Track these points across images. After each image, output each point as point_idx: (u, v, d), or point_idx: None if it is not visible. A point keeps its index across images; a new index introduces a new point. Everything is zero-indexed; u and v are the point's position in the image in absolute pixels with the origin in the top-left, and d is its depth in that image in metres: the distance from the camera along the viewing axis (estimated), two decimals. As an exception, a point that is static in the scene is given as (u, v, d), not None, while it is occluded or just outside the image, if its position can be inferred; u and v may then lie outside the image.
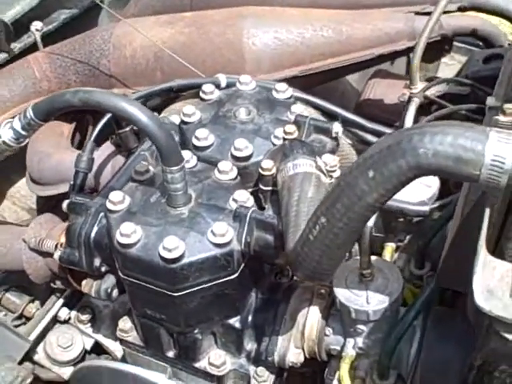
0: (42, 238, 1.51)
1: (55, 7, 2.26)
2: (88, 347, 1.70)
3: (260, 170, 1.32)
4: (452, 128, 0.88)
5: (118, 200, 1.32)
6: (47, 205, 2.10)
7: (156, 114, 1.65)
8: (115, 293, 1.45)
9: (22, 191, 2.21)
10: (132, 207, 1.32)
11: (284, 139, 1.39)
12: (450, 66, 2.46)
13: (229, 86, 1.68)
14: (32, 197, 2.17)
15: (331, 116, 1.76)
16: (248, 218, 1.27)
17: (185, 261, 1.24)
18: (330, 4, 1.97)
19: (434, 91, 1.78)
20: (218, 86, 1.65)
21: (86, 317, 1.69)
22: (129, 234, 1.25)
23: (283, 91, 1.55)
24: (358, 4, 1.95)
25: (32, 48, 2.14)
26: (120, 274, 1.33)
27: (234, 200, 1.31)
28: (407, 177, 0.91)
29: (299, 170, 1.24)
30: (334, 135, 1.44)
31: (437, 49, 2.00)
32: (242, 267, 1.30)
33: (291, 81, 1.86)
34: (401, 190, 0.94)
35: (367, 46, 1.88)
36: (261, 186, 1.34)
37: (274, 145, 1.42)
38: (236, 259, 1.28)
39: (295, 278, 1.47)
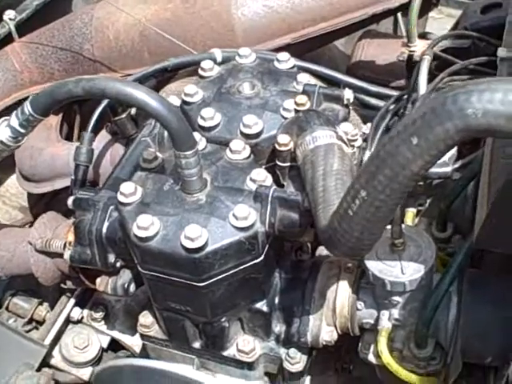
0: (48, 238, 1.44)
1: (26, -7, 2.16)
2: (105, 345, 1.64)
3: (276, 146, 1.26)
4: (500, 84, 0.82)
5: (130, 192, 1.25)
6: (40, 201, 2.02)
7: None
8: (132, 287, 1.39)
9: (12, 190, 2.13)
10: (145, 198, 1.26)
11: (296, 111, 1.33)
12: (437, 19, 2.41)
13: (225, 60, 1.61)
14: (23, 194, 2.08)
15: (331, 82, 1.70)
16: (270, 198, 1.21)
17: (209, 249, 1.18)
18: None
19: (435, 47, 1.72)
20: (214, 62, 1.58)
21: (99, 314, 1.63)
22: (146, 226, 1.19)
23: (285, 61, 1.49)
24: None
25: (6, 39, 2.05)
26: (139, 268, 1.26)
27: (252, 180, 1.25)
28: (454, 140, 0.85)
29: (320, 143, 1.18)
30: (345, 102, 1.38)
31: (425, 3, 1.94)
32: (266, 249, 1.25)
33: (283, 49, 1.80)
34: (446, 154, 0.89)
35: (359, 6, 1.81)
36: (278, 163, 1.28)
37: (284, 118, 1.36)
38: (260, 241, 1.22)
39: (317, 253, 1.43)
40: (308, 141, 1.19)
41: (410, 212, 1.44)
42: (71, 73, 1.91)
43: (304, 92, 1.38)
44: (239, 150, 1.30)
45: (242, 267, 1.23)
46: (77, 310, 1.63)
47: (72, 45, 1.89)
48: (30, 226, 2.00)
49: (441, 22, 2.34)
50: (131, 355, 1.62)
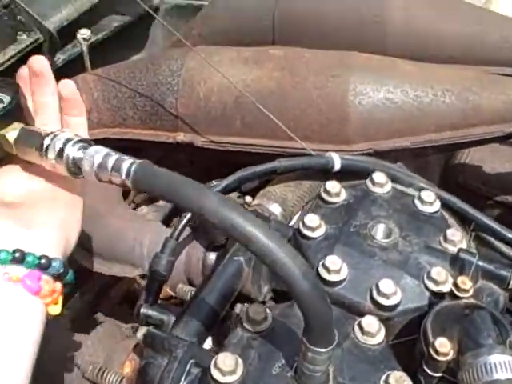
0: (101, 367, 1.08)
1: (105, 12, 1.78)
2: None
3: (431, 352, 0.89)
4: None
5: (230, 370, 0.89)
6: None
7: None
8: None
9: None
10: (247, 379, 0.90)
11: (453, 295, 0.96)
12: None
13: (343, 169, 1.26)
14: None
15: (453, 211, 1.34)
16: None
17: None
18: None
19: None
20: (330, 169, 1.24)
21: None
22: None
23: (430, 203, 1.13)
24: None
25: (76, 60, 1.68)
26: None
27: None
28: None
29: (500, 377, 0.82)
30: (511, 286, 1.02)
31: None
32: None
33: (395, 152, 1.45)
34: None
35: (495, 120, 1.44)
36: (427, 370, 0.92)
37: (428, 289, 1.00)
38: None
39: None
40: (481, 367, 0.82)
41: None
42: (147, 124, 1.55)
43: (458, 260, 1.02)
44: (373, 333, 0.94)
45: None
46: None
47: (154, 93, 1.52)
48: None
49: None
50: None
